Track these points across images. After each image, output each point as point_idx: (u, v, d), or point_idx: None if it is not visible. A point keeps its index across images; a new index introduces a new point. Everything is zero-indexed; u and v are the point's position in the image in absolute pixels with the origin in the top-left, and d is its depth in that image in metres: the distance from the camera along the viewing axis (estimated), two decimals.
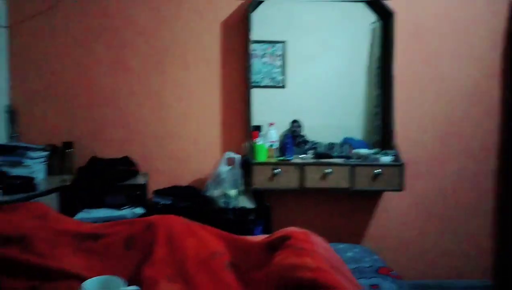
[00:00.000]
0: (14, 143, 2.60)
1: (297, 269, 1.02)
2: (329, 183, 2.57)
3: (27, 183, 2.14)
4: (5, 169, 2.28)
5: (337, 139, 2.89)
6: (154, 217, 1.34)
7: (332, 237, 1.84)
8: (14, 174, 2.25)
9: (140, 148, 2.87)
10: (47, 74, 2.84)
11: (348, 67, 2.96)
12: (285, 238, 1.19)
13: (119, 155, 2.78)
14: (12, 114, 2.82)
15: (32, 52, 2.84)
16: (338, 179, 2.57)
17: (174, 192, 2.65)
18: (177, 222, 1.32)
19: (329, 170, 2.55)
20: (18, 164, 2.36)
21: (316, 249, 1.13)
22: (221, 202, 2.45)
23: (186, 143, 2.92)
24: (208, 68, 2.91)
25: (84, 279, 1.08)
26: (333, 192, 2.88)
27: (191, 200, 2.53)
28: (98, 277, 1.02)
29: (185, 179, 2.88)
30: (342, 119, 2.95)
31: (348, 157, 2.71)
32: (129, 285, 1.04)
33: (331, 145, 2.84)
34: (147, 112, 2.89)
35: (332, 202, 2.98)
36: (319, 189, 2.63)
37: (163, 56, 2.88)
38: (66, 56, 2.83)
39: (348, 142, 2.87)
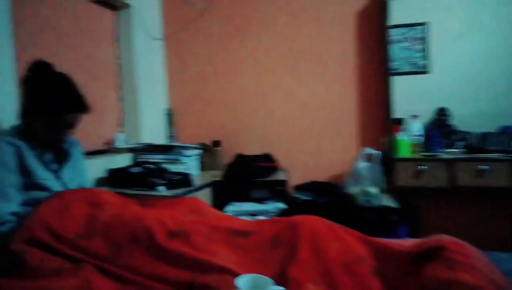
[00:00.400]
0: (172, 143, 2.94)
1: (452, 286, 0.94)
2: (485, 181, 2.29)
3: (185, 178, 2.38)
4: (165, 166, 2.59)
5: (491, 128, 2.55)
6: (297, 217, 1.37)
7: (489, 244, 1.65)
8: (173, 170, 2.53)
9: (280, 145, 2.99)
10: (199, 78, 3.15)
11: (502, 46, 2.59)
12: (437, 249, 1.10)
13: (260, 152, 2.94)
14: (170, 117, 3.20)
15: (185, 59, 3.18)
16: (495, 176, 2.27)
17: (313, 187, 2.69)
18: (320, 224, 1.32)
19: (485, 167, 2.27)
20: (176, 161, 2.66)
21: (473, 264, 1.02)
22: (361, 200, 2.39)
23: (323, 139, 2.93)
24: (342, 61, 2.87)
25: (235, 274, 1.16)
26: (490, 191, 2.55)
27: (330, 197, 2.53)
28: (249, 274, 1.09)
29: (322, 175, 2.90)
30: (497, 105, 2.59)
31: (507, 151, 2.36)
32: (276, 282, 1.09)
33: (485, 135, 2.51)
34: (284, 111, 2.99)
35: (489, 203, 2.64)
36: (472, 188, 2.36)
37: (298, 56, 2.93)
38: (215, 61, 3.09)
39: (506, 132, 2.50)
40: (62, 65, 1.67)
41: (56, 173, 1.70)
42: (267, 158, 2.88)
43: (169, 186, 2.23)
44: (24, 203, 1.55)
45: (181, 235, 1.31)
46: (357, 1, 2.81)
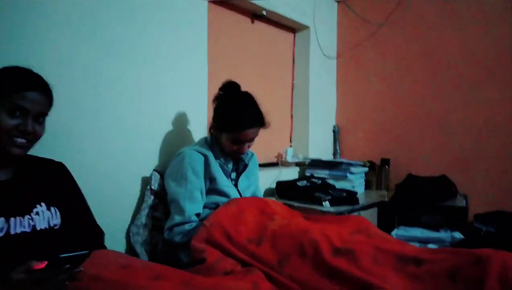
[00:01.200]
0: (338, 159, 2.92)
1: None
2: None
3: (351, 196, 2.33)
4: (331, 182, 2.58)
5: None
6: (484, 250, 1.19)
7: None
8: (338, 187, 2.51)
9: (459, 168, 2.66)
10: (368, 95, 3.07)
11: None
12: None
13: (435, 173, 2.67)
14: (336, 133, 3.20)
15: (357, 76, 3.14)
16: None
17: (498, 218, 2.31)
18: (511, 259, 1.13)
19: None
20: (342, 178, 2.62)
21: None
22: None
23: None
24: None
25: None
26: None
27: None
28: None
29: (510, 205, 2.46)
30: None
31: None
32: None
33: None
34: (464, 128, 2.66)
35: None
36: None
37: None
38: (387, 77, 2.97)
39: None
40: (246, 84, 1.84)
41: (234, 181, 1.87)
42: (443, 180, 2.60)
43: (334, 202, 2.21)
44: (205, 206, 1.74)
45: (347, 253, 1.28)
46: None
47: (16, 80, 1.12)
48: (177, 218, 1.62)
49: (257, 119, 1.73)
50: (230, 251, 1.37)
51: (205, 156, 1.74)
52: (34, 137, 1.15)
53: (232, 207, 1.57)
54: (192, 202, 1.66)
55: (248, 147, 1.79)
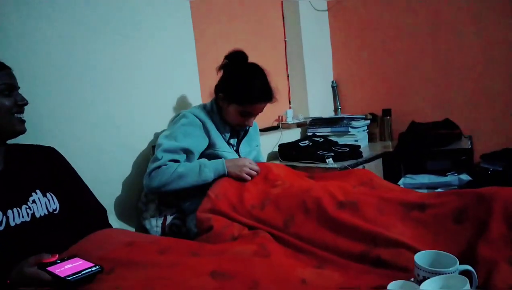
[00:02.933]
0: (339, 115, 2.89)
1: None
2: None
3: (354, 150, 2.31)
4: (334, 138, 2.56)
5: None
6: (487, 189, 1.17)
7: None
8: (341, 143, 2.49)
9: (461, 109, 2.62)
10: (364, 46, 2.99)
11: None
12: None
13: (438, 119, 2.64)
14: (335, 89, 3.15)
15: (350, 28, 3.05)
16: None
17: (506, 156, 2.29)
18: None
19: None
20: (345, 133, 2.60)
21: None
22: None
23: None
24: None
25: (412, 249, 1.07)
26: None
27: None
28: (429, 251, 0.98)
29: None
30: None
31: None
32: (460, 260, 0.95)
33: None
34: (465, 68, 2.59)
35: None
36: None
37: None
38: (381, 25, 2.89)
39: None
40: (237, 45, 1.80)
41: (235, 147, 1.86)
42: (446, 124, 2.57)
43: (337, 158, 2.20)
44: None
45: (351, 206, 1.28)
46: None
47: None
48: (151, 166, 1.60)
49: (268, 94, 1.74)
50: (236, 219, 1.38)
51: (203, 122, 1.74)
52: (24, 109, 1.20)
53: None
54: (171, 155, 1.62)
55: (253, 120, 1.80)
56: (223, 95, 1.74)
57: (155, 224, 1.78)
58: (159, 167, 1.58)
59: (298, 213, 1.30)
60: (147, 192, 1.72)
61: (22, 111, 1.18)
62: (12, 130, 1.16)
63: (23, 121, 1.19)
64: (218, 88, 1.78)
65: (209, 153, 1.74)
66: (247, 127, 1.88)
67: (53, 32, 1.53)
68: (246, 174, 1.58)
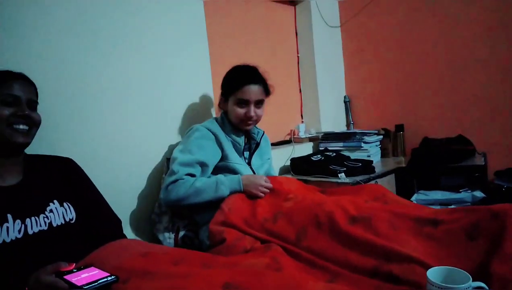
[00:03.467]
0: (351, 130, 2.89)
1: None
2: None
3: (367, 165, 2.31)
4: (346, 153, 2.56)
5: None
6: (500, 205, 1.16)
7: None
8: (353, 157, 2.49)
9: (475, 125, 2.61)
10: (376, 61, 3.01)
11: None
12: None
13: (451, 134, 2.63)
14: (348, 104, 3.16)
15: (361, 44, 3.08)
16: None
17: None
18: None
19: None
20: (357, 148, 2.60)
21: None
22: None
23: None
24: None
25: (425, 265, 1.06)
26: None
27: None
28: (442, 267, 0.98)
29: None
30: None
31: None
32: (473, 277, 0.95)
33: None
34: (478, 84, 2.58)
35: None
36: None
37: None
38: (393, 42, 2.91)
39: None
40: (252, 61, 1.87)
41: (247, 160, 1.88)
42: (460, 140, 2.56)
43: (350, 173, 2.20)
44: None
45: (363, 221, 1.28)
46: None
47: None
48: (168, 179, 1.61)
49: (256, 75, 1.80)
50: (248, 232, 1.39)
51: (215, 134, 1.77)
52: (31, 122, 1.19)
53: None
54: (187, 168, 1.64)
55: (257, 115, 1.81)
56: (221, 96, 1.85)
57: (168, 236, 1.79)
58: (176, 181, 1.60)
59: (310, 226, 1.31)
60: (164, 205, 1.74)
61: (23, 123, 1.17)
62: (7, 141, 1.14)
63: (23, 133, 1.17)
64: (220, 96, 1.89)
65: (222, 165, 1.77)
66: (258, 139, 1.91)
67: (69, 44, 1.58)
68: (261, 192, 1.61)
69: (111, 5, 1.70)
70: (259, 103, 1.81)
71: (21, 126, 1.17)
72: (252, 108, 1.78)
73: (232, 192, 1.62)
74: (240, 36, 2.52)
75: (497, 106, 2.52)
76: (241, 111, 1.78)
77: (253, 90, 1.77)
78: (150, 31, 1.85)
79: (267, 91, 1.84)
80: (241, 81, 1.77)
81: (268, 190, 1.61)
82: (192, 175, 1.65)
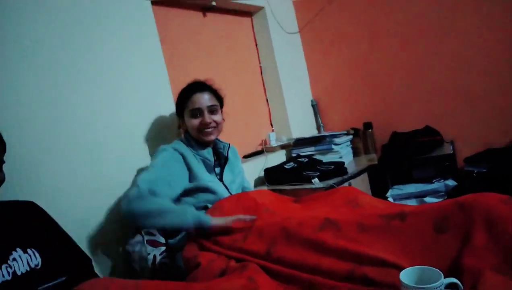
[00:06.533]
0: (321, 134, 2.90)
1: None
2: None
3: (339, 167, 2.31)
4: (318, 157, 2.56)
5: None
6: (466, 196, 1.17)
7: None
8: (325, 161, 2.49)
9: (441, 115, 2.65)
10: (339, 62, 3.04)
11: None
12: None
13: (419, 126, 2.67)
14: (315, 107, 3.18)
15: (322, 47, 3.11)
16: None
17: (489, 157, 2.31)
18: (496, 201, 1.11)
19: None
20: (328, 151, 2.61)
21: None
22: None
23: (494, 100, 2.46)
24: None
25: (396, 266, 1.06)
26: None
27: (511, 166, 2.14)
28: (414, 267, 0.97)
29: (501, 140, 2.44)
30: None
31: None
32: (444, 275, 0.95)
33: None
34: (444, 76, 2.62)
35: None
36: None
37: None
38: (353, 41, 2.94)
39: None
40: (215, 78, 1.89)
41: (218, 176, 1.85)
42: (427, 131, 2.60)
43: (323, 177, 2.20)
44: (196, 207, 1.72)
45: (331, 226, 1.27)
46: None
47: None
48: (131, 192, 1.52)
49: (201, 84, 1.85)
50: (220, 252, 1.37)
51: (182, 154, 1.75)
52: None
53: (216, 214, 1.54)
54: (150, 184, 1.56)
55: (214, 121, 1.81)
56: (178, 118, 1.89)
57: (144, 265, 1.75)
58: (139, 195, 1.50)
59: (280, 239, 1.29)
60: (124, 217, 1.59)
61: None
62: None
63: None
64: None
65: (193, 187, 1.73)
66: (225, 153, 1.89)
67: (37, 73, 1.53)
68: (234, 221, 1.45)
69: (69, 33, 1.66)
70: (213, 110, 1.82)
71: None
72: (206, 114, 1.79)
73: (197, 223, 1.46)
74: (199, 53, 2.50)
75: (460, 93, 2.57)
76: (196, 121, 1.79)
77: (202, 97, 1.80)
78: (105, 58, 1.81)
79: (218, 97, 1.87)
80: (189, 94, 1.81)
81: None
82: (155, 193, 1.56)
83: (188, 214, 1.50)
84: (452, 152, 2.39)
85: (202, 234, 1.46)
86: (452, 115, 2.61)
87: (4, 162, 1.19)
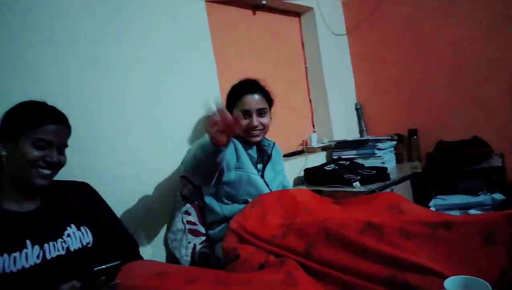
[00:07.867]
0: (365, 137, 2.87)
1: None
2: None
3: (381, 173, 2.28)
4: (360, 161, 2.54)
5: None
6: None
7: None
8: (367, 165, 2.47)
9: (491, 126, 2.55)
10: (386, 66, 3.00)
11: None
12: None
13: (467, 136, 2.58)
14: (359, 111, 3.15)
15: (370, 50, 3.07)
16: None
17: None
18: None
19: None
20: (371, 155, 2.58)
21: None
22: None
23: None
24: None
25: (441, 275, 1.04)
26: None
27: None
28: (459, 276, 0.96)
29: None
30: None
31: None
32: (492, 286, 0.92)
33: None
34: (494, 86, 2.53)
35: None
36: None
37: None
38: (401, 46, 2.89)
39: None
40: (259, 77, 1.89)
41: (260, 172, 1.88)
42: (476, 142, 2.51)
43: (364, 181, 2.18)
44: (235, 199, 1.75)
45: (374, 230, 1.26)
46: None
47: (37, 115, 1.18)
48: (184, 157, 1.56)
49: (253, 85, 1.83)
50: (259, 245, 1.39)
51: (235, 144, 1.79)
52: (57, 167, 1.22)
53: (258, 208, 1.57)
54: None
55: (262, 124, 1.81)
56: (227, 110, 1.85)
57: (184, 253, 1.80)
58: (189, 154, 1.51)
59: (320, 239, 1.30)
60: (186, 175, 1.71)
61: (48, 168, 1.18)
62: (28, 180, 1.16)
63: (45, 177, 1.18)
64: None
65: (238, 175, 1.76)
66: (269, 151, 1.91)
67: (81, 71, 1.62)
68: (211, 125, 1.32)
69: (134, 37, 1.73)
70: (262, 112, 1.82)
71: (45, 171, 1.18)
72: (255, 117, 1.80)
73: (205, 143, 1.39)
74: (246, 50, 2.54)
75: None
76: (244, 122, 1.79)
77: (253, 100, 1.79)
78: (158, 53, 1.88)
79: (268, 99, 1.86)
80: (239, 94, 1.81)
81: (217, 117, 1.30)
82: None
83: (204, 141, 1.42)
84: (501, 164, 2.30)
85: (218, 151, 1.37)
86: (502, 127, 2.52)
87: (67, 146, 1.25)
